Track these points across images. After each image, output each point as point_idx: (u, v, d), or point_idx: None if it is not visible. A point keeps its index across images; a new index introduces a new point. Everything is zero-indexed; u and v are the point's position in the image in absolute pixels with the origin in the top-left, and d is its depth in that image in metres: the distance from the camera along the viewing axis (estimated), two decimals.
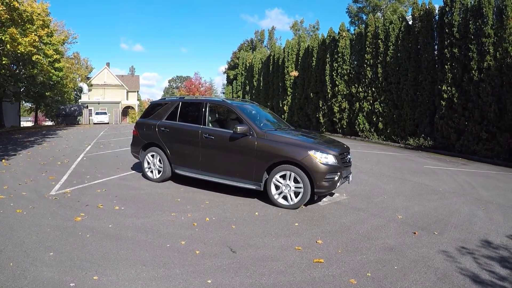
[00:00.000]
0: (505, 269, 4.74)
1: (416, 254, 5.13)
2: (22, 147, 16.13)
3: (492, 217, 7.12)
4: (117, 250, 4.96)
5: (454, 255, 5.14)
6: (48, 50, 31.13)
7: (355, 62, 23.74)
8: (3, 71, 26.99)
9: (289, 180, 7.17)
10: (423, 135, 18.63)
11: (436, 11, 18.66)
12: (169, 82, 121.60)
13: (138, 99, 76.08)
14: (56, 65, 34.78)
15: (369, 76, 22.22)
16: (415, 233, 6.02)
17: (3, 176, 9.68)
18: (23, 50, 22.54)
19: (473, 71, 15.84)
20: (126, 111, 65.58)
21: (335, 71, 24.73)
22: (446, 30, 17.13)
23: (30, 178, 9.48)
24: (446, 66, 17.01)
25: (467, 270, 4.67)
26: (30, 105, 49.67)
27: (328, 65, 25.35)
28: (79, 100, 63.42)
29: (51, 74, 33.87)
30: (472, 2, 16.37)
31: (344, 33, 24.71)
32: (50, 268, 4.39)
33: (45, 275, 4.22)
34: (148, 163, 9.35)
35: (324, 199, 8.00)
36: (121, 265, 4.53)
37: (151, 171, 9.32)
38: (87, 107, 58.57)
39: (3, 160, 12.04)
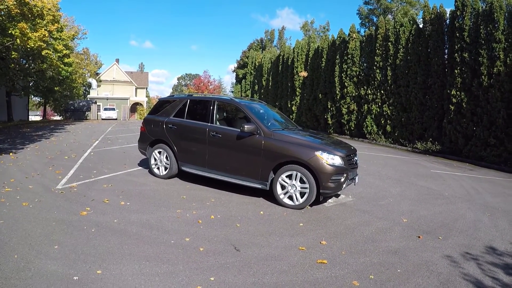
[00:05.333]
0: (509, 276, 4.71)
1: (420, 258, 5.11)
2: (30, 141, 16.22)
3: (497, 223, 7.08)
4: (122, 245, 4.99)
5: (458, 260, 5.11)
6: (57, 45, 31.27)
7: (365, 64, 23.72)
8: (13, 65, 27.17)
9: (295, 180, 7.16)
10: (431, 139, 18.57)
11: (447, 15, 18.59)
12: (178, 80, 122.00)
13: (146, 96, 76.36)
14: (66, 60, 34.94)
15: (378, 78, 22.17)
16: (419, 237, 5.99)
17: (10, 169, 9.75)
18: (33, 45, 22.66)
19: (482, 76, 15.75)
20: (134, 107, 65.79)
21: (344, 73, 24.71)
22: (457, 34, 17.04)
23: (37, 171, 9.54)
24: (456, 71, 16.93)
25: (471, 276, 4.64)
26: (39, 100, 50.06)
27: (337, 66, 25.33)
28: (88, 96, 63.77)
29: (60, 69, 34.05)
30: (484, 7, 16.29)
31: (354, 34, 24.67)
32: (55, 261, 4.42)
33: (49, 268, 4.24)
34: (155, 159, 9.37)
35: (329, 200, 7.99)
36: (125, 260, 4.55)
37: (158, 168, 9.34)
38: (95, 102, 58.78)
39: (11, 154, 12.12)
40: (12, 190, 7.56)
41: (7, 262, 4.33)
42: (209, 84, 63.05)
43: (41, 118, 51.60)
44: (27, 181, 8.45)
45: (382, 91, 22.02)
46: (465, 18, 16.74)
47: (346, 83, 24.58)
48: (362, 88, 23.56)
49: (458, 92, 16.84)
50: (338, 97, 25.38)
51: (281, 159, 7.29)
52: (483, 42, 15.87)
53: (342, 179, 7.14)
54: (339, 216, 6.95)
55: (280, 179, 7.31)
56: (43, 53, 25.92)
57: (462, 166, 14.89)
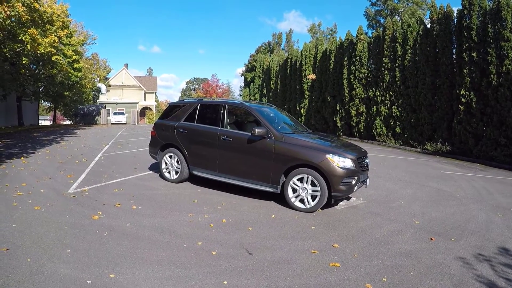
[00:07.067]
0: None
1: (433, 260, 5.08)
2: (40, 146, 16.36)
3: (509, 224, 7.02)
4: (134, 249, 5.01)
5: (471, 262, 5.08)
6: (67, 51, 31.61)
7: (373, 66, 23.66)
8: (23, 70, 27.42)
9: (306, 183, 7.15)
10: (440, 140, 18.47)
11: (455, 14, 18.50)
12: (186, 84, 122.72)
13: (155, 100, 76.61)
14: (75, 65, 35.28)
15: (387, 80, 22.10)
16: (431, 239, 5.96)
17: (22, 173, 9.83)
18: (43, 51, 22.92)
19: (491, 76, 15.65)
20: (143, 112, 66.05)
21: (352, 75, 24.68)
22: (465, 33, 16.95)
23: (48, 176, 9.61)
24: (465, 70, 16.83)
25: (484, 277, 4.61)
26: (49, 104, 50.41)
27: (345, 68, 25.30)
28: (97, 100, 64.18)
29: (70, 74, 34.35)
30: (491, 6, 16.17)
31: (362, 36, 24.64)
32: (67, 265, 4.45)
33: (62, 271, 4.27)
34: (166, 163, 9.40)
35: (341, 203, 7.97)
36: (137, 264, 4.57)
37: (169, 172, 9.37)
38: (105, 107, 59.11)
39: (22, 158, 12.23)
40: (24, 194, 7.64)
41: (20, 265, 4.37)
42: (218, 88, 63.36)
43: (51, 123, 52.04)
44: (39, 185, 8.52)
45: (390, 93, 21.95)
46: (473, 17, 16.65)
47: (354, 85, 24.54)
48: (370, 90, 23.51)
49: (467, 92, 16.73)
50: (346, 99, 25.35)
51: (292, 162, 7.28)
52: (491, 41, 15.77)
53: (353, 182, 7.12)
54: (350, 218, 6.94)
55: (291, 183, 7.31)
56: (53, 59, 26.25)
57: (472, 166, 14.79)
